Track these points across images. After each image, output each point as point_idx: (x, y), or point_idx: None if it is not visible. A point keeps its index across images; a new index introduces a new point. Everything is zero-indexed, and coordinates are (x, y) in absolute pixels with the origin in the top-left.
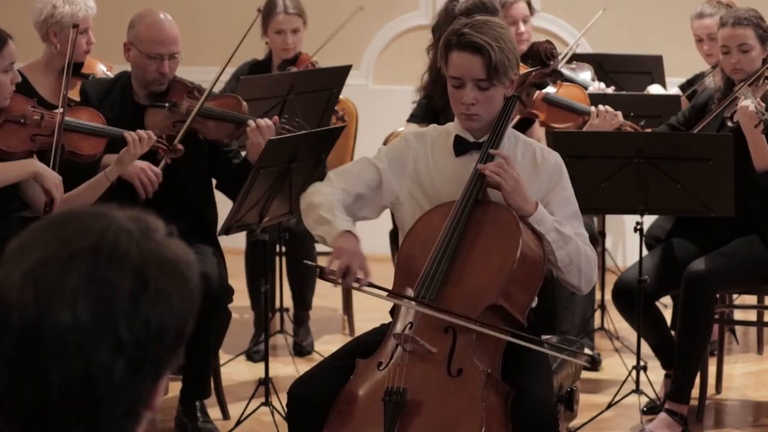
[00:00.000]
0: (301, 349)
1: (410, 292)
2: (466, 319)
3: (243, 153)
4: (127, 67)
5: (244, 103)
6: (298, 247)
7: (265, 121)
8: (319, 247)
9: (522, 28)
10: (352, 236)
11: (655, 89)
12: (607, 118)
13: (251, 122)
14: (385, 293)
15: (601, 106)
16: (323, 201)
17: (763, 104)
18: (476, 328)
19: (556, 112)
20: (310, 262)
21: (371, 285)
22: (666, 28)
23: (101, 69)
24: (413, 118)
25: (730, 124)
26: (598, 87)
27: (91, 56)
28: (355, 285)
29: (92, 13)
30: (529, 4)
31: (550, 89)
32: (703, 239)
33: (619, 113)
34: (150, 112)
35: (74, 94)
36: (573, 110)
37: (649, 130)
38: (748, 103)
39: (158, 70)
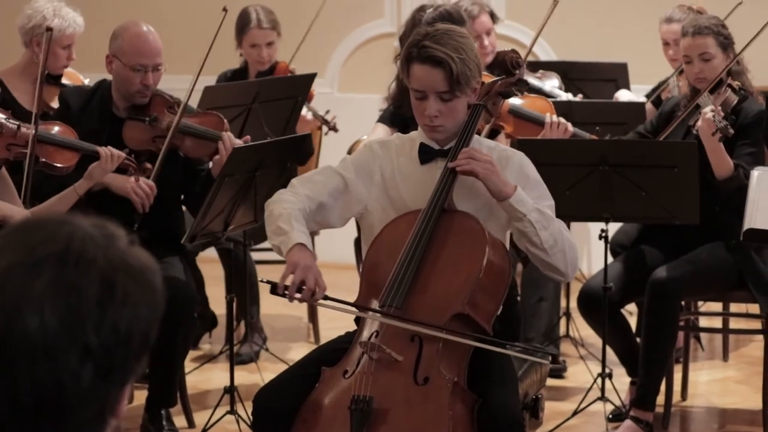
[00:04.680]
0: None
1: (376, 301)
2: (430, 327)
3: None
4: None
5: (227, 122)
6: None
7: (237, 141)
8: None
9: (486, 41)
10: (306, 250)
11: (623, 95)
12: (559, 129)
13: (225, 139)
14: (342, 305)
15: (554, 117)
16: (283, 211)
17: (722, 113)
18: (442, 335)
19: (522, 124)
20: (264, 279)
21: (327, 298)
22: (631, 36)
23: (82, 82)
24: (383, 120)
25: (694, 131)
26: (566, 98)
27: (73, 69)
28: (310, 300)
29: (79, 31)
30: (492, 15)
31: (516, 101)
32: (669, 246)
33: (569, 124)
34: (129, 125)
35: (54, 102)
36: (539, 123)
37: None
38: (706, 110)
39: (142, 82)
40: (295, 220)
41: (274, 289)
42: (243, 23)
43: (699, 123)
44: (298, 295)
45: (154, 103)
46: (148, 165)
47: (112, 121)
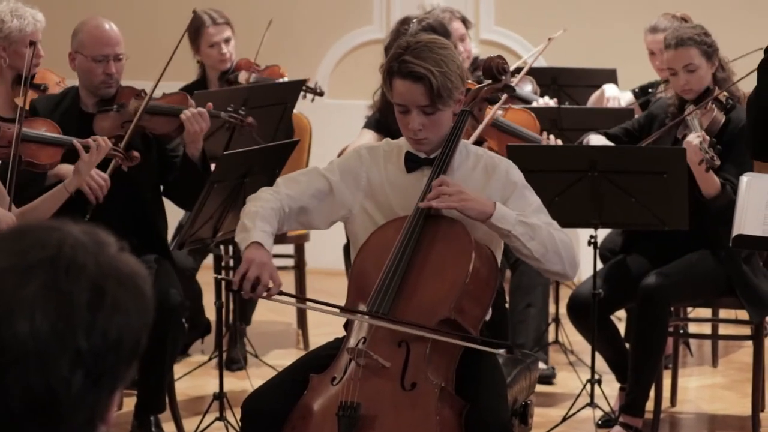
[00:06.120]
0: (232, 365)
1: (363, 306)
2: (411, 326)
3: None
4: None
5: (192, 100)
6: None
7: (197, 109)
8: None
9: (460, 47)
10: (262, 248)
11: (610, 89)
12: None
13: (185, 111)
14: (294, 300)
15: (552, 137)
16: (252, 209)
17: (708, 138)
18: (420, 333)
19: (506, 138)
20: (218, 276)
21: (282, 293)
22: (620, 42)
23: (54, 80)
24: (369, 125)
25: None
26: (543, 102)
27: (44, 68)
28: (265, 295)
29: (41, 27)
30: (464, 21)
31: (498, 114)
32: (656, 253)
33: (558, 141)
34: (99, 118)
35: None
36: (523, 137)
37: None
38: (692, 137)
39: (105, 72)
40: (260, 219)
41: (230, 285)
42: (196, 27)
43: (687, 154)
44: (251, 294)
45: (122, 93)
46: (136, 154)
47: (82, 117)
